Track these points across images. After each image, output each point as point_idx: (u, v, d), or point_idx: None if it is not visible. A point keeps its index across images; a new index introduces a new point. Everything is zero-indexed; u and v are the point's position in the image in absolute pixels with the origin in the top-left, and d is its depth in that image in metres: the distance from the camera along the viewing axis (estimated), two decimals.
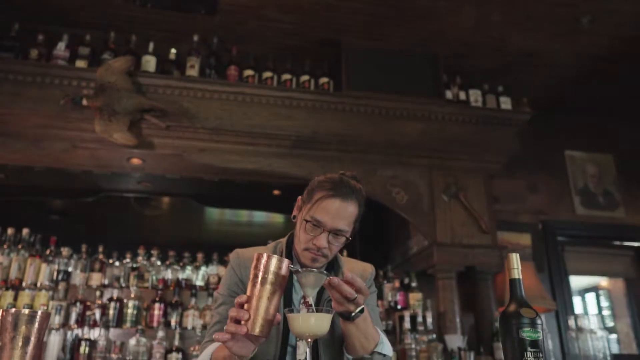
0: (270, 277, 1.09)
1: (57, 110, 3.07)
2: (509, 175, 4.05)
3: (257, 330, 1.07)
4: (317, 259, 1.39)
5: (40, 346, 1.00)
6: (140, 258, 3.55)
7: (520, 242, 4.02)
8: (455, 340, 3.24)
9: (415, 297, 3.52)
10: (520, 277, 1.17)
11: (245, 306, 1.09)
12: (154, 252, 3.60)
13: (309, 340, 1.15)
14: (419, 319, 3.33)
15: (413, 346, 3.19)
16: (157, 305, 3.33)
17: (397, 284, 3.67)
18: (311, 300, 1.20)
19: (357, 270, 1.52)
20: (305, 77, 3.52)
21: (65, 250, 3.43)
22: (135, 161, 3.37)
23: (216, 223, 4.73)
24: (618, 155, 4.49)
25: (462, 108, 3.68)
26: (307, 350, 1.17)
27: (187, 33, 3.43)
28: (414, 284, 3.60)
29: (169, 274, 3.56)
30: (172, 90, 3.26)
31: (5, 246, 3.32)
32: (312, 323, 1.12)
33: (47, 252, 3.39)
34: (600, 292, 5.45)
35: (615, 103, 4.34)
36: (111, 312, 3.28)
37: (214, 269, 3.62)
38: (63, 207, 4.31)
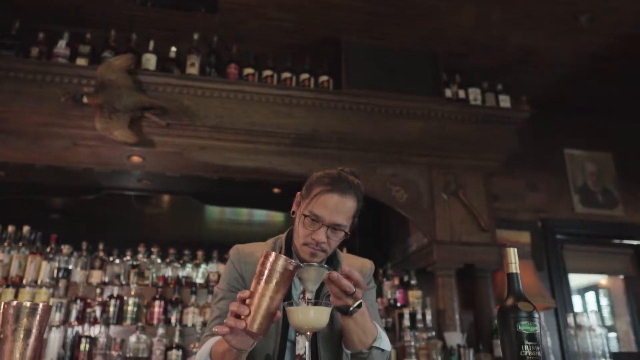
0: (276, 276, 1.10)
1: (58, 108, 3.07)
2: (509, 173, 4.06)
3: (255, 327, 1.08)
4: (316, 254, 1.39)
5: (41, 339, 1.01)
6: (140, 256, 3.56)
7: (519, 240, 4.03)
8: (455, 338, 3.25)
9: (414, 295, 3.54)
10: (518, 271, 1.18)
11: (247, 301, 1.10)
12: (154, 249, 3.61)
13: (308, 333, 1.15)
14: (419, 316, 3.35)
15: (412, 343, 3.20)
16: (157, 302, 3.35)
17: (396, 281, 3.68)
18: (311, 295, 1.21)
19: (356, 265, 1.52)
20: (305, 76, 3.52)
21: (65, 248, 3.45)
22: (136, 159, 3.38)
23: (216, 221, 4.72)
24: (617, 153, 4.50)
25: (462, 106, 3.68)
26: (307, 344, 1.18)
27: (187, 31, 3.44)
28: (413, 282, 3.61)
29: (169, 272, 3.57)
30: (172, 89, 3.26)
31: (5, 244, 3.34)
32: (312, 316, 1.12)
33: (48, 249, 3.40)
34: (600, 290, 5.45)
35: (615, 101, 4.35)
36: (111, 309, 3.30)
37: (214, 267, 3.64)
38: (63, 205, 4.31)
